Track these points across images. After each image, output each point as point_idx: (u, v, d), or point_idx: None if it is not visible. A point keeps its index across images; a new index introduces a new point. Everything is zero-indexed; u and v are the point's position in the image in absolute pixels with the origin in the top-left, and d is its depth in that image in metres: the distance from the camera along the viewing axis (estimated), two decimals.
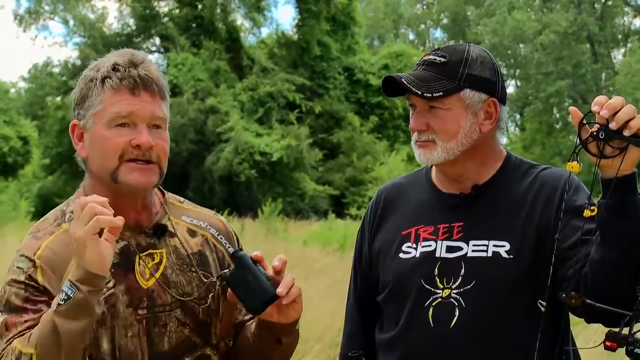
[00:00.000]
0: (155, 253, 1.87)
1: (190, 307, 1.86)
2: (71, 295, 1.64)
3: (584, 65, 40.28)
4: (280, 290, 1.77)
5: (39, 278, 1.77)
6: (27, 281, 1.77)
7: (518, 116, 46.27)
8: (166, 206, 1.96)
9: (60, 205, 1.95)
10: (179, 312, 1.85)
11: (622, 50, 46.04)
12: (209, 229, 1.99)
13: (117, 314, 1.79)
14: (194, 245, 1.93)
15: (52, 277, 1.77)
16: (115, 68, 1.81)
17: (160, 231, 1.89)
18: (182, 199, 2.05)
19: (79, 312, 1.65)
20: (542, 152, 37.79)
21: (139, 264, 1.84)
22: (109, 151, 1.80)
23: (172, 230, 1.92)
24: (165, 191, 2.00)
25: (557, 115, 42.92)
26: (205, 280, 1.89)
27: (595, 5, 43.25)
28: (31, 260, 1.78)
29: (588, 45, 41.82)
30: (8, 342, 1.74)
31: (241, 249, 1.86)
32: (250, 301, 1.79)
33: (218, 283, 1.86)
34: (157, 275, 1.85)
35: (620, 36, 45.69)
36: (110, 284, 1.78)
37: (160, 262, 1.86)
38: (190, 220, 1.98)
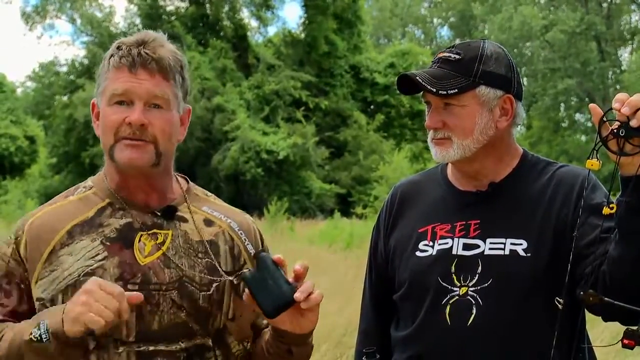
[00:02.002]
0: (160, 233, 1.87)
1: (188, 291, 1.84)
2: (44, 341, 1.69)
3: (592, 63, 40.22)
4: (297, 295, 1.74)
5: (22, 251, 1.84)
6: (11, 254, 1.84)
7: (524, 114, 46.23)
8: (187, 195, 1.96)
9: None
10: (175, 293, 1.83)
11: (629, 48, 45.99)
12: (229, 222, 1.97)
13: None
14: (207, 233, 1.92)
15: (34, 248, 1.83)
16: (119, 47, 1.85)
17: (169, 213, 1.89)
18: (209, 193, 2.05)
19: (44, 354, 1.71)
20: (548, 150, 37.72)
21: (139, 241, 1.84)
22: (107, 127, 1.84)
23: (186, 216, 1.91)
24: (191, 182, 2.01)
25: (564, 114, 42.87)
26: (213, 263, 1.88)
27: (603, 4, 43.18)
28: (20, 229, 1.85)
29: (595, 44, 41.75)
30: None
31: (264, 250, 1.84)
32: (267, 304, 1.75)
33: (235, 281, 1.84)
34: (158, 254, 1.84)
35: (627, 35, 45.62)
36: (100, 257, 1.79)
37: (163, 242, 1.86)
38: (210, 211, 1.97)
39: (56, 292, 1.79)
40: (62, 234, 1.83)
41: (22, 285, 1.82)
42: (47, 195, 31.60)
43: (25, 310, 1.82)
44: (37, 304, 1.81)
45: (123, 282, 1.79)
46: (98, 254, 1.80)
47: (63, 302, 1.76)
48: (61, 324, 1.67)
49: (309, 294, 1.75)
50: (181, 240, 1.88)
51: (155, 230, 1.86)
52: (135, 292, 1.71)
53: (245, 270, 1.83)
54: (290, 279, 1.77)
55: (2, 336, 1.77)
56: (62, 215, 1.85)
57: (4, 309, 1.82)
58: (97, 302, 1.64)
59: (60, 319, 1.67)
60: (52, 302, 1.79)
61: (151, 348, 1.79)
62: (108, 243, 1.81)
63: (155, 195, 1.90)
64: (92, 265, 1.79)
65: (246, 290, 1.79)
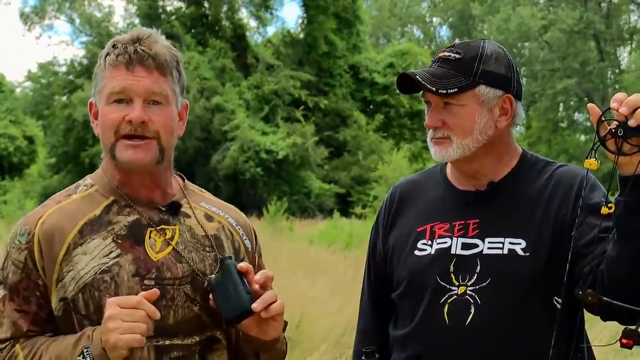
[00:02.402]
0: (168, 229, 1.88)
1: (201, 284, 1.86)
2: None
3: (591, 63, 40.21)
4: (255, 305, 1.78)
5: (36, 256, 1.82)
6: (26, 260, 1.82)
7: (524, 114, 46.17)
8: (185, 191, 1.98)
9: None
10: (188, 287, 1.85)
11: (628, 48, 45.99)
12: (227, 217, 2.00)
13: (122, 283, 1.80)
14: (210, 228, 1.95)
15: (48, 252, 1.81)
16: (114, 45, 1.85)
17: (174, 208, 1.91)
18: (204, 190, 2.07)
19: None
20: (547, 150, 37.72)
21: (150, 237, 1.85)
22: (106, 127, 1.84)
23: (188, 212, 1.93)
24: (185, 179, 2.02)
25: (563, 114, 42.88)
26: (221, 256, 1.90)
27: (602, 4, 43.18)
28: (31, 233, 1.83)
29: (594, 43, 41.75)
30: (7, 341, 1.81)
31: (230, 257, 1.86)
32: (226, 311, 1.79)
33: (205, 284, 1.87)
34: (169, 249, 1.86)
35: (626, 35, 45.62)
36: (114, 254, 1.81)
37: (172, 238, 1.88)
38: (209, 207, 2.00)
39: (75, 291, 1.80)
40: (74, 233, 1.83)
41: (38, 292, 1.82)
42: (46, 196, 31.14)
43: (46, 316, 1.83)
44: (60, 304, 1.81)
45: (139, 278, 1.81)
46: (111, 251, 1.81)
47: (84, 302, 1.79)
48: (105, 354, 1.70)
49: (270, 304, 1.79)
50: (188, 235, 1.90)
51: (163, 226, 1.88)
52: (150, 290, 1.74)
53: (212, 276, 1.85)
54: (256, 287, 1.80)
55: (40, 358, 1.78)
56: (70, 215, 1.85)
57: (28, 316, 1.82)
58: (125, 322, 1.67)
59: (101, 349, 1.70)
60: (74, 302, 1.80)
61: (167, 342, 1.81)
62: (120, 240, 1.83)
63: (159, 191, 1.91)
64: (107, 263, 1.80)
65: (211, 295, 1.83)
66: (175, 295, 1.83)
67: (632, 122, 1.73)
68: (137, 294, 1.76)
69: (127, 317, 1.68)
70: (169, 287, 1.83)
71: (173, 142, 1.90)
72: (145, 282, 1.81)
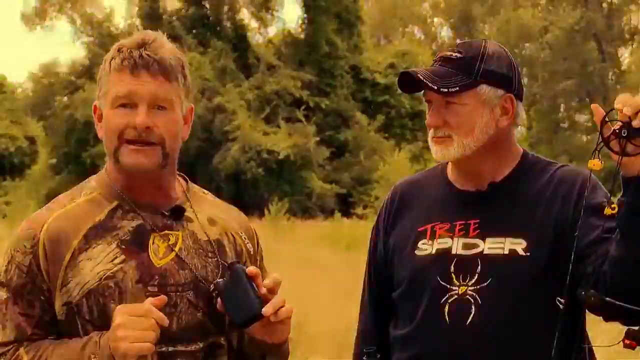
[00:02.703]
0: (171, 234, 1.87)
1: (204, 291, 1.86)
2: None
3: (592, 64, 40.23)
4: (266, 310, 1.78)
5: (41, 261, 1.81)
6: (30, 264, 1.81)
7: (525, 115, 46.15)
8: (188, 194, 1.97)
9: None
10: (191, 294, 1.84)
11: (629, 48, 46.01)
12: (230, 221, 2.00)
13: (126, 289, 1.79)
14: (213, 233, 1.94)
15: (53, 257, 1.81)
16: (119, 49, 1.84)
17: (178, 213, 1.90)
18: (206, 191, 2.06)
19: None
20: (548, 150, 37.71)
21: (153, 243, 1.85)
22: (111, 131, 1.83)
23: (191, 216, 1.93)
24: (189, 181, 2.02)
25: (564, 114, 42.91)
26: (223, 262, 1.89)
27: (603, 4, 43.19)
28: (35, 237, 1.82)
29: (594, 44, 41.76)
30: (11, 344, 1.79)
31: (238, 262, 1.86)
32: (236, 316, 1.80)
33: (211, 289, 1.86)
34: (172, 255, 1.85)
35: (627, 35, 45.63)
36: (118, 260, 1.80)
37: (175, 243, 1.87)
38: (211, 210, 1.99)
39: (80, 296, 1.79)
40: (79, 238, 1.82)
41: (42, 297, 1.82)
42: (48, 197, 31.33)
43: (49, 320, 1.82)
44: (63, 308, 1.80)
45: (142, 285, 1.80)
46: (116, 257, 1.81)
47: (88, 307, 1.78)
48: None
49: (279, 309, 1.79)
50: (191, 240, 1.89)
51: (166, 232, 1.87)
52: (158, 297, 1.75)
53: (219, 280, 1.85)
54: (264, 292, 1.81)
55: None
56: (75, 219, 1.84)
57: (31, 319, 1.81)
58: (135, 330, 1.68)
59: (110, 356, 1.70)
60: (78, 307, 1.79)
61: (171, 349, 1.81)
62: (124, 246, 1.82)
63: (162, 195, 1.90)
64: (112, 269, 1.80)
65: (219, 299, 1.82)
66: (179, 301, 1.83)
67: (636, 123, 1.72)
68: (141, 301, 1.76)
69: (136, 325, 1.68)
70: (172, 293, 1.82)
71: (177, 147, 1.89)
72: (149, 288, 1.80)
